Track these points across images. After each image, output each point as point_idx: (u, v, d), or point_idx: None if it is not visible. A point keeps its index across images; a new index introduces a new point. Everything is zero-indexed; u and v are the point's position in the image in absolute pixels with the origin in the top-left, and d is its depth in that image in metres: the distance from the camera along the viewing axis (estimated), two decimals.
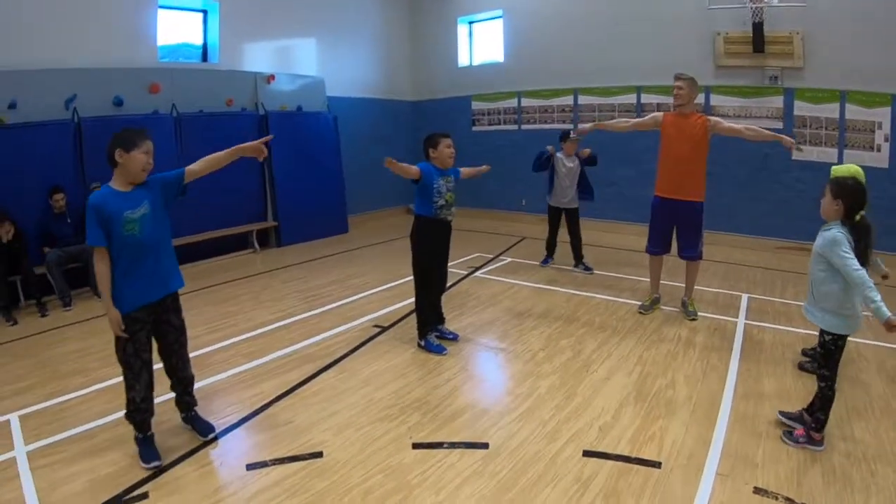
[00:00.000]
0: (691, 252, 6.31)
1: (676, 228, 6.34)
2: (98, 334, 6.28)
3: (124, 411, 3.78)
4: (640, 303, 6.76)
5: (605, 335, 5.87)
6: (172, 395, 4.13)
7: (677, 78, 6.16)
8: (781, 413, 4.08)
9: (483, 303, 7.04)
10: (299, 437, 4.04)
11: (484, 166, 6.09)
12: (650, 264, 6.70)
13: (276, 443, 3.97)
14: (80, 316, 7.14)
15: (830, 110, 9.24)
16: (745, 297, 7.11)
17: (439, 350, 5.55)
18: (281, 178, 10.88)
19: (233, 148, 3.92)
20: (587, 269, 8.36)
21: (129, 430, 3.89)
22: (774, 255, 9.49)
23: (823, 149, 9.35)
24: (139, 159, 3.52)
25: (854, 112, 9.05)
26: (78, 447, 3.99)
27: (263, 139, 3.98)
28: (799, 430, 3.85)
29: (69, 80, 8.44)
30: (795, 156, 9.38)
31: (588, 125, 6.87)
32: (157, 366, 3.85)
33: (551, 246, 8.71)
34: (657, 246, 6.48)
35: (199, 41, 10.79)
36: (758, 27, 9.33)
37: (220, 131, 9.66)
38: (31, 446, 4.02)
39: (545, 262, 8.76)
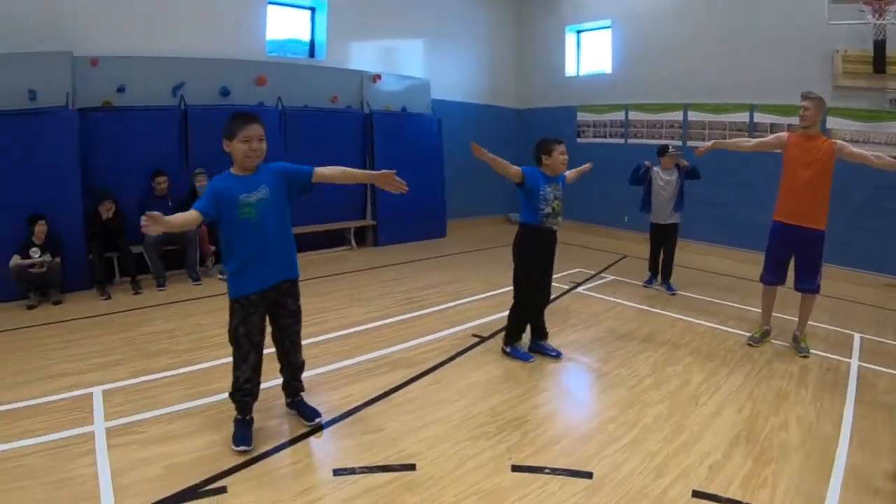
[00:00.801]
0: (809, 284, 5.77)
1: (794, 257, 5.85)
2: (188, 317, 6.30)
3: (230, 390, 3.80)
4: (748, 334, 6.25)
5: (713, 366, 5.42)
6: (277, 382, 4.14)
7: (804, 97, 5.70)
8: None
9: (585, 321, 6.67)
10: (390, 446, 3.79)
11: (586, 165, 5.77)
12: (763, 294, 6.17)
13: (366, 450, 3.73)
14: (172, 297, 7.20)
15: None
16: (857, 336, 6.46)
17: (526, 357, 5.35)
18: None
19: (369, 172, 4.06)
20: (671, 289, 7.89)
21: (209, 418, 3.97)
22: (884, 292, 8.62)
23: None
24: (239, 148, 3.53)
25: None
26: (158, 430, 3.94)
27: (399, 182, 3.87)
28: None
29: (177, 67, 8.65)
30: None
31: (707, 144, 6.33)
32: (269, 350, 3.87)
33: (655, 266, 8.21)
34: (774, 275, 5.97)
35: (306, 37, 10.86)
36: (879, 46, 8.69)
37: (325, 127, 9.74)
38: (111, 423, 4.01)
39: (649, 282, 8.25)
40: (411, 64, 12.06)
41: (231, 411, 3.81)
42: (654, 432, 4.09)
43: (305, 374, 4.13)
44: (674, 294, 7.73)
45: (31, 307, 6.76)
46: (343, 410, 4.24)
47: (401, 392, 4.60)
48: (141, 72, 8.29)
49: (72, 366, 5.03)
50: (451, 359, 5.35)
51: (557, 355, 5.48)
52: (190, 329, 5.90)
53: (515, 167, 5.00)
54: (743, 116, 10.65)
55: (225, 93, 9.08)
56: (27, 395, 4.42)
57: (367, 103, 10.82)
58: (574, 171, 5.59)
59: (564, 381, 5.04)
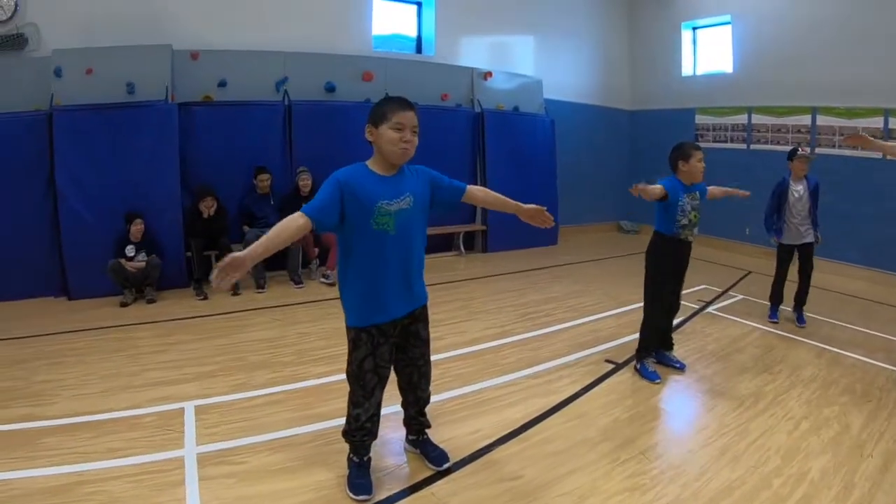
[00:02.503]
0: None
1: None
2: (291, 325, 5.92)
3: (343, 427, 3.26)
4: None
5: (870, 408, 4.76)
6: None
7: None
8: None
9: (724, 347, 6.03)
10: (531, 499, 3.21)
11: (742, 191, 5.60)
12: None
13: (506, 501, 3.17)
14: (272, 300, 6.86)
15: None
16: None
17: (653, 378, 4.97)
18: (493, 181, 10.11)
19: (515, 203, 3.38)
20: (801, 320, 6.88)
21: (317, 450, 3.56)
22: None
23: None
24: (388, 136, 2.89)
25: None
26: (258, 461, 3.47)
27: (548, 217, 3.37)
28: None
29: (281, 62, 8.45)
30: None
31: (869, 137, 5.52)
32: None
33: (779, 295, 7.11)
34: None
35: (413, 33, 10.56)
36: None
37: (434, 126, 9.21)
38: (205, 447, 3.57)
39: (773, 316, 7.09)
40: (522, 61, 11.57)
41: (342, 443, 3.28)
42: (823, 490, 3.48)
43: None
44: (803, 326, 6.77)
45: (124, 304, 6.57)
46: (472, 450, 3.65)
47: (536, 428, 4.00)
48: (243, 66, 8.09)
49: (164, 374, 4.67)
50: (587, 388, 4.74)
51: (682, 367, 5.27)
52: (293, 339, 5.49)
53: (659, 187, 4.74)
54: (877, 122, 9.71)
55: (330, 88, 8.77)
56: (115, 406, 4.08)
57: (479, 101, 10.39)
58: (725, 189, 5.49)
59: (716, 420, 4.40)
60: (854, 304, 8.21)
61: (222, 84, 7.92)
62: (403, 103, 2.93)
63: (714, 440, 4.02)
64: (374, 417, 3.15)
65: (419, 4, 10.44)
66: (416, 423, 3.51)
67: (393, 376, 3.28)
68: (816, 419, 4.48)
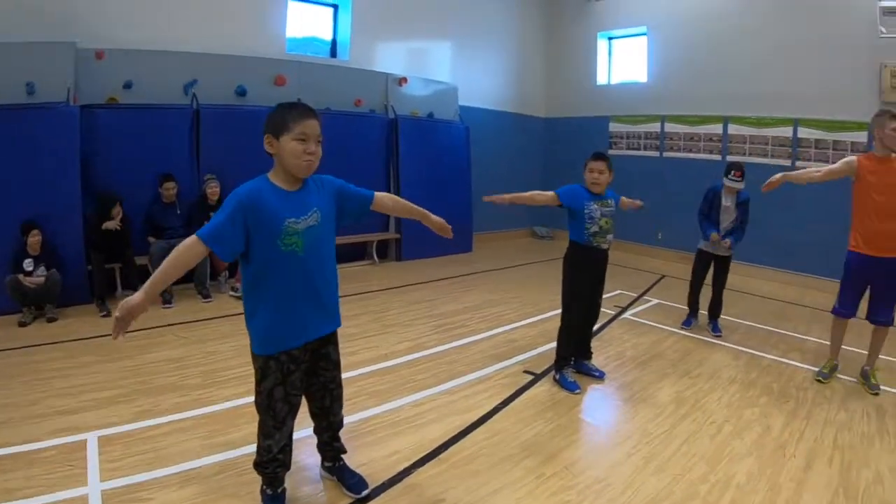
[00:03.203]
0: (885, 316, 5.38)
1: (870, 289, 5.43)
2: (198, 342, 5.61)
3: (255, 458, 3.02)
4: (813, 368, 5.86)
5: (789, 407, 4.93)
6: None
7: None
8: None
9: (643, 353, 6.08)
10: None
11: (638, 201, 5.51)
12: (835, 327, 5.73)
13: None
14: (179, 317, 6.48)
15: None
16: None
17: (572, 388, 4.95)
18: (407, 188, 9.97)
19: (422, 210, 3.31)
20: (716, 329, 6.93)
21: (229, 480, 3.31)
22: None
23: None
24: (291, 149, 2.66)
25: None
26: (167, 496, 3.18)
27: (449, 229, 3.39)
28: None
29: (190, 63, 8.07)
30: None
31: (776, 177, 5.65)
32: None
33: (695, 304, 7.20)
34: (849, 308, 5.53)
35: (328, 36, 10.30)
36: None
37: (348, 132, 9.12)
38: (109, 484, 3.24)
39: (687, 323, 7.18)
40: (438, 68, 11.49)
41: (255, 473, 3.06)
42: (750, 494, 3.54)
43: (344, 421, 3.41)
44: (719, 336, 6.84)
45: (23, 324, 6.09)
46: (391, 473, 3.49)
47: (456, 447, 3.86)
48: (151, 67, 7.68)
49: (65, 402, 4.30)
50: (506, 402, 4.63)
51: (601, 376, 5.30)
52: (201, 358, 5.20)
53: (546, 193, 4.85)
54: (786, 131, 10.21)
55: (241, 92, 8.46)
56: (11, 439, 3.72)
57: (393, 108, 10.21)
58: (629, 200, 5.42)
59: (639, 429, 4.38)
60: (768, 305, 8.50)
61: (128, 86, 7.50)
62: (306, 111, 2.70)
63: (638, 449, 4.01)
64: (287, 448, 2.95)
65: (335, 7, 10.20)
66: (330, 449, 3.31)
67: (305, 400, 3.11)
68: (738, 422, 4.57)
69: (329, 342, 3.03)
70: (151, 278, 2.46)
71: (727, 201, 6.64)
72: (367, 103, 9.94)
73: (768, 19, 10.22)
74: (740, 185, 6.51)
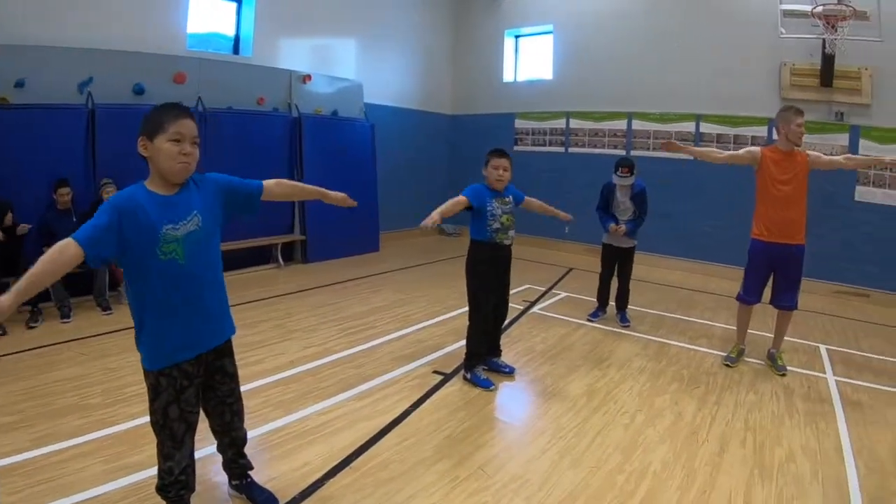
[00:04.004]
0: (789, 301, 5.69)
1: (775, 274, 5.70)
2: (99, 358, 5.29)
3: (157, 483, 2.82)
4: (721, 353, 6.15)
5: (700, 393, 5.11)
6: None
7: (802, 114, 5.45)
8: None
9: (553, 346, 6.16)
10: None
11: (565, 214, 5.72)
12: (740, 313, 6.02)
13: None
14: (78, 331, 6.10)
15: None
16: (823, 348, 6.64)
17: (486, 384, 4.97)
18: None
19: (318, 189, 3.29)
20: (624, 320, 7.11)
21: None
22: (835, 300, 9.17)
23: (888, 191, 9.06)
24: (166, 151, 2.52)
25: None
26: None
27: (351, 202, 3.41)
28: None
29: (85, 61, 7.58)
30: (859, 196, 9.24)
31: (680, 144, 5.92)
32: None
33: (605, 297, 7.35)
34: (754, 295, 5.80)
35: (231, 32, 9.94)
36: (828, 60, 8.96)
37: (250, 131, 8.91)
38: None
39: (595, 315, 7.31)
40: (343, 65, 11.32)
41: (159, 498, 2.88)
42: (667, 481, 3.64)
43: (248, 435, 3.30)
44: (628, 326, 7.02)
45: None
46: (302, 486, 3.38)
47: (368, 454, 3.78)
48: (42, 64, 7.22)
49: None
50: (417, 404, 4.59)
51: (511, 371, 5.33)
52: (102, 375, 4.90)
53: (458, 199, 4.78)
54: (689, 126, 10.62)
55: (139, 91, 8.08)
56: None
57: (296, 106, 10.00)
58: (543, 205, 5.53)
59: (553, 423, 4.42)
60: (675, 294, 8.78)
61: (20, 84, 7.01)
62: (180, 111, 2.58)
63: (553, 444, 4.04)
64: (189, 469, 2.79)
65: (239, 2, 9.86)
66: (236, 466, 3.18)
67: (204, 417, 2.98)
68: (650, 410, 4.69)
69: (223, 354, 2.90)
70: (22, 282, 2.24)
71: (622, 195, 6.82)
72: (269, 101, 9.71)
73: (672, 18, 10.58)
74: (629, 181, 6.70)
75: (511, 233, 4.97)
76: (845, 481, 3.74)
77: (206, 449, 3.32)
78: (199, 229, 2.60)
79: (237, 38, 9.94)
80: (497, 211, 4.86)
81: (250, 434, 3.38)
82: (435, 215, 4.42)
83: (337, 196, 3.28)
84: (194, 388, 2.73)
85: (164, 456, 2.74)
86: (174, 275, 2.54)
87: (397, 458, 3.76)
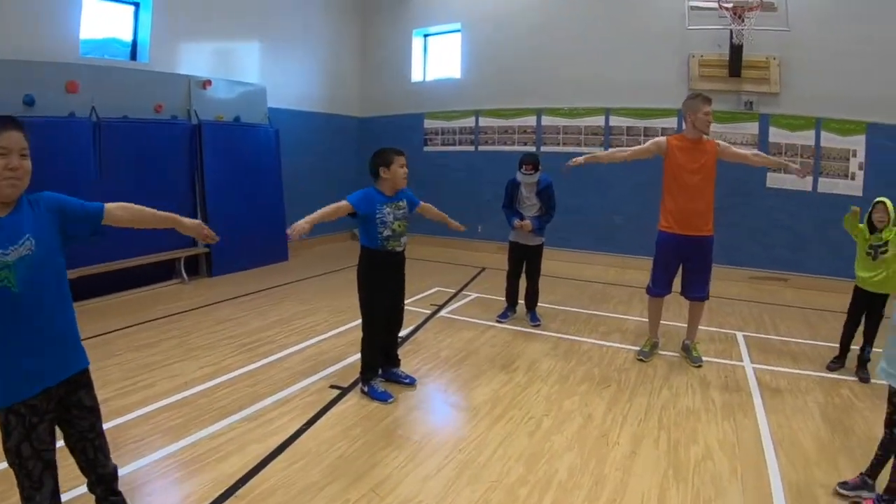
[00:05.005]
0: (700, 292, 5.78)
1: (683, 266, 5.74)
2: None
3: None
4: (635, 348, 6.17)
5: (611, 392, 5.08)
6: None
7: (709, 101, 5.45)
8: (840, 486, 3.53)
9: (459, 352, 6.08)
10: None
11: (458, 225, 5.56)
12: (651, 306, 6.06)
13: None
14: None
15: (806, 137, 9.42)
16: (740, 335, 6.79)
17: (384, 398, 4.81)
18: (214, 198, 9.52)
19: (171, 215, 3.01)
20: (534, 319, 7.11)
21: None
22: (750, 285, 9.54)
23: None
24: None
25: (829, 140, 9.30)
26: None
27: (209, 233, 3.10)
28: (867, 501, 3.38)
29: None
30: (770, 183, 9.65)
31: (581, 158, 5.94)
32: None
33: (514, 296, 7.32)
34: (663, 287, 5.86)
35: (128, 37, 9.51)
36: (736, 50, 9.23)
37: (147, 141, 8.50)
38: None
39: (504, 315, 7.28)
40: (246, 69, 11.00)
41: None
42: (574, 491, 3.55)
43: (132, 467, 3.18)
44: (538, 325, 7.01)
45: None
46: None
47: (255, 480, 3.59)
48: None
49: None
50: (311, 422, 4.41)
51: (411, 382, 5.17)
52: None
53: (340, 204, 4.66)
54: (599, 120, 10.83)
55: (29, 102, 7.63)
56: None
57: (196, 112, 9.62)
58: (439, 213, 5.42)
59: (453, 435, 4.31)
60: (588, 289, 8.86)
61: None
62: (4, 122, 2.37)
63: (451, 459, 3.92)
64: None
65: (136, 5, 9.44)
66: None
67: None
68: (558, 415, 4.61)
69: (78, 386, 2.69)
70: None
71: (527, 191, 6.79)
72: (168, 109, 9.30)
73: (579, 14, 10.75)
74: (533, 178, 6.64)
75: (403, 239, 4.85)
76: (766, 475, 3.72)
77: (79, 488, 3.12)
78: (32, 254, 2.40)
79: (134, 44, 9.54)
80: (388, 217, 4.70)
81: (137, 465, 3.27)
82: (304, 224, 4.30)
83: (191, 224, 3.04)
84: (46, 423, 2.54)
85: (25, 497, 2.55)
86: (7, 304, 2.35)
87: (285, 483, 3.59)
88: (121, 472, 3.25)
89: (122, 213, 2.79)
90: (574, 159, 5.93)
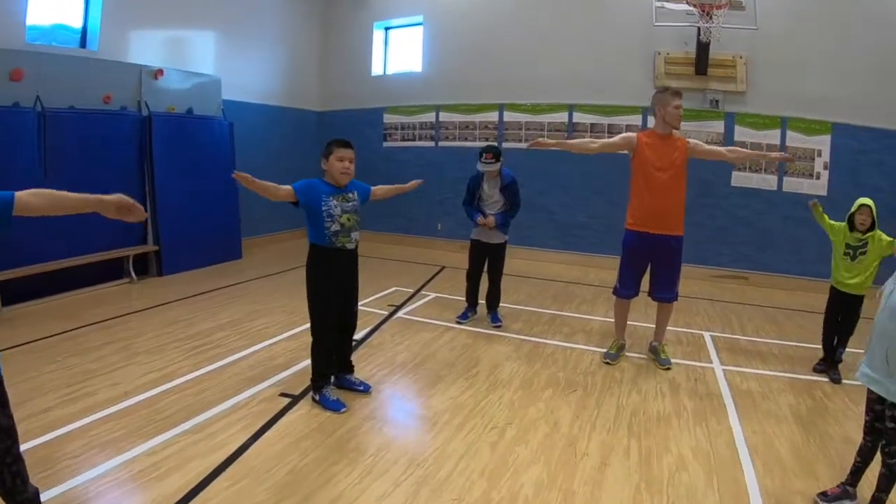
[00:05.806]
0: (668, 293, 5.69)
1: (652, 266, 5.64)
2: None
3: None
4: (602, 350, 6.00)
5: (577, 397, 4.91)
6: None
7: (680, 95, 5.36)
8: (821, 498, 3.43)
9: (416, 355, 5.86)
10: None
11: (413, 183, 5.39)
12: (617, 307, 5.95)
13: None
14: None
15: (771, 136, 9.50)
16: (707, 335, 6.77)
17: (336, 407, 4.56)
18: (164, 194, 9.16)
19: (94, 196, 2.59)
20: (496, 319, 6.94)
21: None
22: (715, 284, 9.59)
23: (763, 175, 9.65)
24: None
25: (794, 139, 9.39)
26: None
27: (129, 203, 2.66)
28: None
29: None
30: (735, 182, 9.77)
31: (549, 141, 5.73)
32: None
33: (474, 296, 7.12)
34: (630, 288, 5.76)
35: (78, 24, 9.06)
36: (703, 48, 9.21)
37: (94, 133, 8.17)
38: None
39: (464, 316, 7.08)
40: (200, 59, 10.63)
41: None
42: None
43: (65, 486, 3.00)
44: (499, 326, 6.84)
45: None
46: None
47: (197, 500, 3.33)
48: None
49: None
50: (259, 434, 4.14)
51: (366, 389, 4.94)
52: None
53: (284, 187, 4.35)
54: (562, 117, 10.79)
55: None
56: None
57: (147, 104, 9.25)
58: (388, 188, 5.16)
59: (410, 449, 4.07)
60: (551, 287, 8.74)
61: None
62: None
63: (409, 474, 3.70)
64: None
65: None
66: None
67: None
68: (522, 423, 4.42)
69: None
70: None
71: (489, 187, 6.62)
72: (117, 99, 8.94)
73: (544, 9, 10.68)
74: (494, 167, 6.46)
75: (355, 234, 4.56)
76: (744, 485, 3.61)
77: None
78: None
79: (84, 31, 9.11)
80: (335, 210, 4.42)
81: (70, 485, 3.13)
82: (251, 179, 4.10)
83: (112, 199, 2.63)
84: None
85: None
86: None
87: (231, 501, 3.34)
88: (54, 492, 3.11)
89: (35, 200, 2.45)
90: (541, 139, 5.80)
